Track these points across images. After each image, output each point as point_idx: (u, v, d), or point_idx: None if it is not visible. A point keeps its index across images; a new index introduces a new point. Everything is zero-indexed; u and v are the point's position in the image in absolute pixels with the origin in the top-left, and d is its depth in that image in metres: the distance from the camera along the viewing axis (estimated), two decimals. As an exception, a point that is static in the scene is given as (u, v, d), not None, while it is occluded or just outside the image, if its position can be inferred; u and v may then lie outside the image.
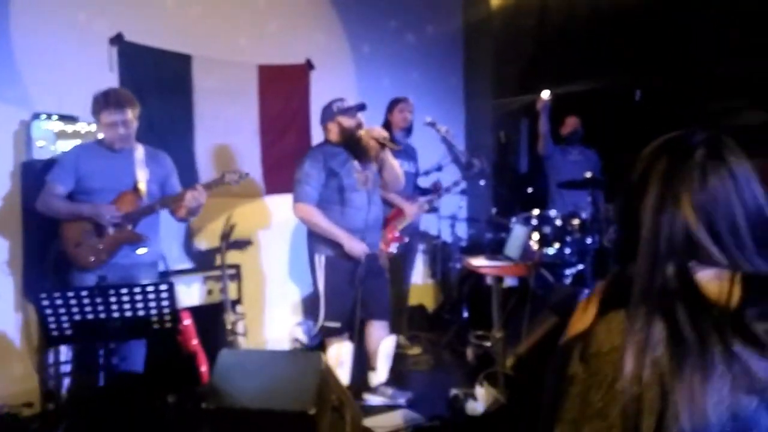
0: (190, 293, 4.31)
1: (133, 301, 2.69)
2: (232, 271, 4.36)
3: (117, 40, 4.04)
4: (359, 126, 3.57)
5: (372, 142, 3.53)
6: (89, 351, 3.01)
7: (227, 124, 4.60)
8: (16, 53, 3.67)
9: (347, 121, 3.57)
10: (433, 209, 4.94)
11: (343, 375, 3.41)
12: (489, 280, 4.09)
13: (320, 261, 3.52)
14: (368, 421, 3.28)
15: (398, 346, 4.08)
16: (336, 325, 3.49)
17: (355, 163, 3.56)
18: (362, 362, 3.72)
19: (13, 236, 3.59)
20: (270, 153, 4.82)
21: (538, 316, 3.44)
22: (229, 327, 3.85)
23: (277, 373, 2.53)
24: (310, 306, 4.80)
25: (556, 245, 4.28)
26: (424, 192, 4.77)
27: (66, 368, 3.39)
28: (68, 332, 2.70)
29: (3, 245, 3.61)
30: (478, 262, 3.88)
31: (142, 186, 3.20)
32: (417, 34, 5.93)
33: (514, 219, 4.43)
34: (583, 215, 4.34)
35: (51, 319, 2.66)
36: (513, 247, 3.85)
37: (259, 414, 2.37)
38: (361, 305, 3.49)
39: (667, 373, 0.91)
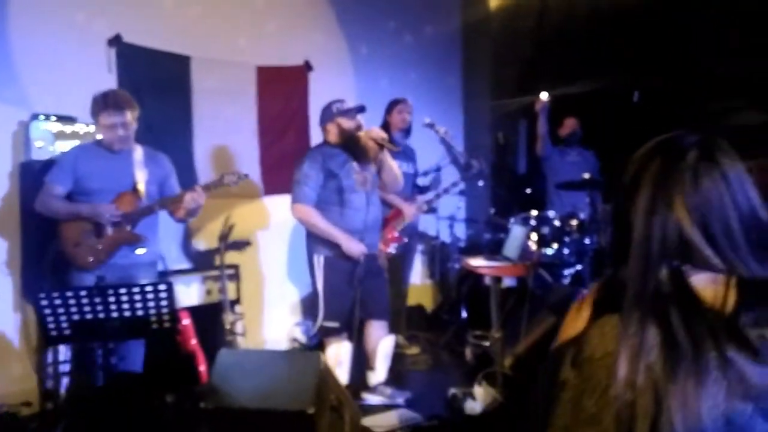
0: (189, 293, 4.32)
1: (131, 301, 2.69)
2: (230, 271, 4.37)
3: (115, 41, 4.04)
4: (358, 128, 3.57)
5: (371, 143, 3.54)
6: (88, 351, 3.02)
7: (226, 124, 4.61)
8: (14, 54, 3.67)
9: (346, 123, 3.57)
10: (431, 210, 4.94)
11: (342, 375, 3.42)
12: (487, 281, 4.09)
13: (319, 261, 3.53)
14: (367, 421, 3.28)
15: (397, 345, 4.09)
16: (335, 325, 3.50)
17: (354, 164, 3.56)
18: (361, 362, 3.72)
19: (11, 236, 3.60)
20: (269, 154, 4.82)
21: (536, 316, 3.45)
22: (227, 327, 3.85)
23: (276, 373, 2.53)
24: (308, 306, 4.81)
25: (555, 246, 4.29)
26: (422, 190, 4.77)
27: (65, 368, 3.39)
28: (67, 332, 2.70)
29: (1, 245, 3.62)
30: (477, 262, 3.88)
31: (141, 187, 3.20)
32: (415, 34, 5.93)
33: (512, 219, 4.44)
34: (582, 216, 4.36)
35: (50, 319, 2.66)
36: (511, 247, 3.86)
37: (257, 414, 2.37)
38: (360, 305, 3.49)
39: (661, 378, 0.90)
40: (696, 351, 0.89)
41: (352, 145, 3.55)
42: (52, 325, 2.67)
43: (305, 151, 3.84)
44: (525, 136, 6.28)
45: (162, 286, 2.72)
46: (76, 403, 3.19)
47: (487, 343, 4.08)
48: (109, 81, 3.91)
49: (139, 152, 3.25)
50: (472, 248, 5.59)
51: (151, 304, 2.71)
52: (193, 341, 3.34)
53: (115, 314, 2.69)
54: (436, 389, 3.77)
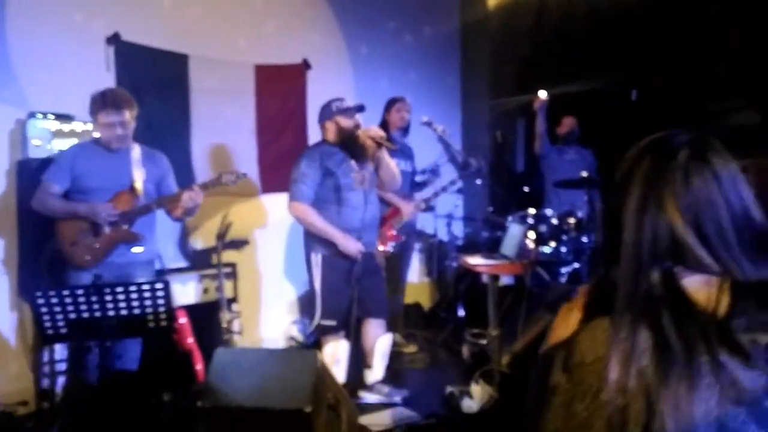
0: (186, 292, 4.31)
1: (128, 300, 2.68)
2: (228, 270, 4.36)
3: (114, 39, 4.04)
4: (357, 127, 3.57)
5: (369, 142, 3.54)
6: (84, 350, 3.01)
7: (224, 123, 4.60)
8: (12, 52, 3.66)
9: (345, 121, 3.57)
10: (429, 208, 4.94)
11: (339, 373, 3.42)
12: (485, 279, 4.09)
13: (317, 260, 3.53)
14: (364, 419, 3.29)
15: (394, 344, 4.09)
16: (332, 323, 3.50)
17: (352, 162, 3.56)
18: (358, 360, 3.72)
19: (8, 235, 3.59)
20: (267, 152, 4.82)
21: (533, 315, 3.46)
22: (224, 325, 3.85)
23: (273, 372, 2.53)
24: (306, 304, 4.81)
25: (552, 244, 4.30)
26: (421, 185, 4.77)
27: (61, 367, 3.39)
28: (63, 331, 2.69)
29: (-1, 243, 3.62)
30: (475, 260, 3.89)
31: (139, 186, 3.20)
32: (414, 34, 5.93)
33: (510, 218, 4.45)
34: (579, 214, 4.36)
35: (46, 317, 2.65)
36: (509, 245, 3.86)
37: (254, 412, 2.37)
38: (357, 303, 3.49)
39: (653, 382, 0.88)
40: (688, 355, 0.88)
41: (350, 144, 3.55)
42: (48, 324, 2.67)
43: (303, 149, 3.83)
44: (523, 135, 6.28)
45: (159, 285, 2.72)
46: (73, 402, 3.19)
47: (484, 342, 4.09)
48: (107, 80, 3.90)
49: (137, 151, 3.25)
50: (470, 246, 5.58)
51: (148, 302, 2.71)
52: (190, 340, 3.34)
53: (111, 313, 2.69)
54: (434, 387, 3.78)
